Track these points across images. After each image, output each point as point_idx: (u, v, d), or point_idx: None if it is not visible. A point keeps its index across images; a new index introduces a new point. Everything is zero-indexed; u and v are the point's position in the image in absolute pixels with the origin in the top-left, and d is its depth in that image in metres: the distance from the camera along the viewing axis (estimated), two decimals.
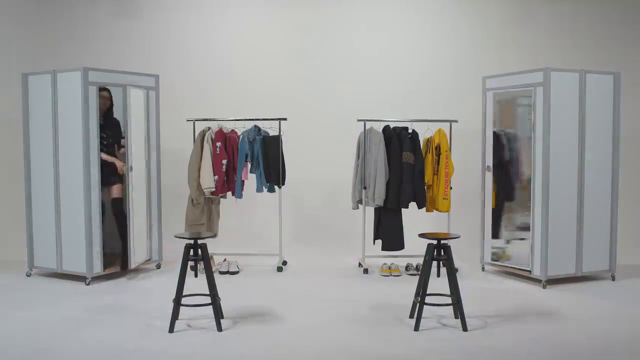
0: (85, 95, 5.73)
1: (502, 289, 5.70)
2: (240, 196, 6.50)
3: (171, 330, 4.44)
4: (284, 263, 6.68)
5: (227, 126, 6.53)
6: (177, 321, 4.49)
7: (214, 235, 5.12)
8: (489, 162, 6.14)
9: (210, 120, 6.58)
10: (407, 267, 6.41)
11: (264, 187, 6.51)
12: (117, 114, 6.20)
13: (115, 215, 6.10)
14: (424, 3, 8.00)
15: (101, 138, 5.89)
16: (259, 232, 7.52)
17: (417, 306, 4.53)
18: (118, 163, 6.04)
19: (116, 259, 6.11)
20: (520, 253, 5.93)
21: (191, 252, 4.56)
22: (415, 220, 6.59)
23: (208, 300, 4.53)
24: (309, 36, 8.00)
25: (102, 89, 5.98)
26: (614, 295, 5.50)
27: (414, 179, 6.24)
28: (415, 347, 4.18)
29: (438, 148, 6.29)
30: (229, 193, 6.57)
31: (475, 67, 7.26)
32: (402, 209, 6.35)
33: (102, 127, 5.93)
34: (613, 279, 5.99)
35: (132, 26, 7.90)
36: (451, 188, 6.33)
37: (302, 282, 6.01)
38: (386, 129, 6.39)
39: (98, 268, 5.90)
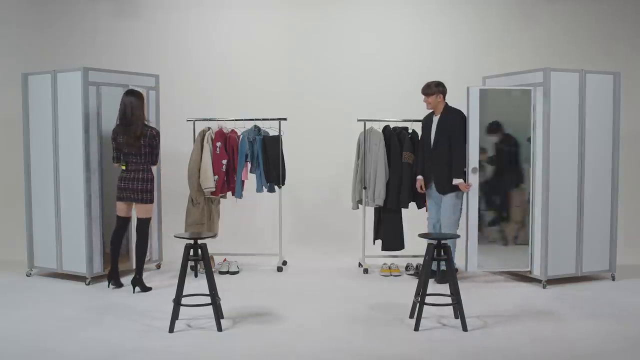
0: (85, 95, 5.74)
1: (502, 289, 5.70)
2: (240, 196, 6.51)
3: (171, 330, 4.44)
4: (284, 263, 6.68)
5: (227, 126, 6.53)
6: (177, 321, 4.49)
7: (214, 235, 5.11)
8: (475, 163, 6.00)
9: (210, 120, 6.58)
10: (407, 267, 6.41)
11: (264, 187, 6.51)
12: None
13: (137, 238, 5.65)
14: (424, 4, 8.00)
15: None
16: (259, 232, 7.52)
17: (417, 306, 4.52)
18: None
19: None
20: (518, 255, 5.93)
21: (191, 252, 4.57)
22: (415, 220, 6.58)
23: (208, 300, 4.53)
24: (309, 37, 8.01)
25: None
26: (614, 295, 5.50)
27: (414, 179, 6.23)
28: (415, 347, 4.18)
29: None
30: (229, 193, 6.57)
31: (475, 67, 7.26)
32: (402, 209, 6.35)
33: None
34: (613, 279, 5.99)
35: (132, 26, 7.90)
36: None
37: (302, 282, 6.01)
38: (386, 129, 6.39)
39: (98, 268, 5.90)
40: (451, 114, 5.90)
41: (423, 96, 5.97)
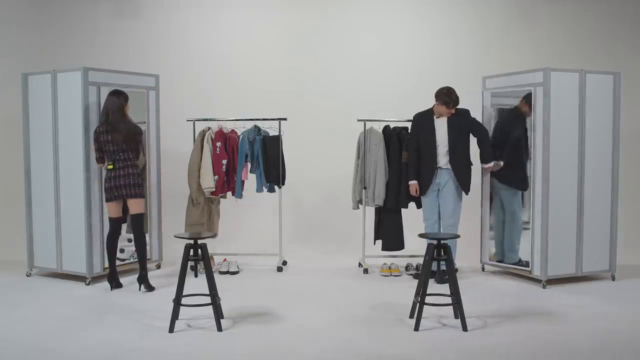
0: (85, 95, 5.74)
1: (502, 289, 5.70)
2: (240, 196, 6.51)
3: (171, 330, 4.44)
4: (284, 263, 6.68)
5: (227, 126, 6.54)
6: (177, 321, 4.49)
7: (214, 235, 5.11)
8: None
9: (210, 120, 6.58)
10: (407, 267, 6.41)
11: (264, 187, 6.51)
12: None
13: (135, 235, 5.68)
14: (424, 4, 8.00)
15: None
16: (259, 232, 7.52)
17: (417, 306, 4.52)
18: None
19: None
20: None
21: (191, 252, 4.57)
22: (415, 220, 6.58)
23: (208, 300, 4.53)
24: (309, 37, 8.01)
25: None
26: (614, 295, 5.50)
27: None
28: (415, 347, 4.18)
29: None
30: (229, 193, 6.57)
31: (475, 67, 7.26)
32: (402, 209, 6.35)
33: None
34: (613, 279, 5.99)
35: (132, 26, 7.90)
36: None
37: (302, 282, 6.01)
38: (386, 129, 6.39)
39: (98, 268, 5.90)
40: (461, 113, 5.86)
41: (447, 106, 5.74)
